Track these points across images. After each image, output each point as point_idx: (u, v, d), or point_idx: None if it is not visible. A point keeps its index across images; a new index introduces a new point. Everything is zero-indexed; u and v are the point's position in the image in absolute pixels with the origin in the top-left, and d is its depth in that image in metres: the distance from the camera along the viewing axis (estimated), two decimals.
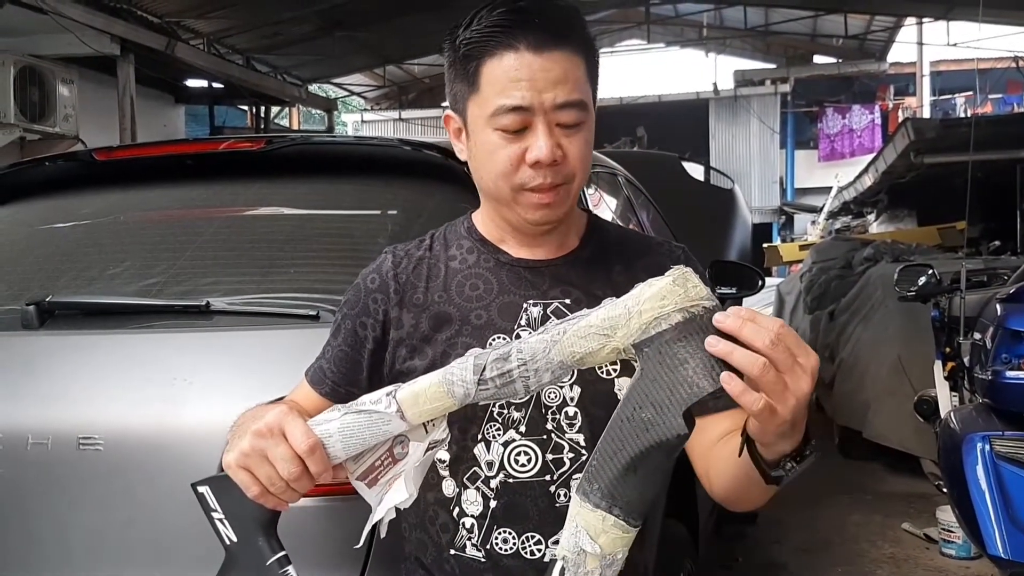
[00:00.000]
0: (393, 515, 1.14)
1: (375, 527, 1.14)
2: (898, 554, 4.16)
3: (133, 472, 1.61)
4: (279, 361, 1.65)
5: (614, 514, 0.99)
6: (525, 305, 1.26)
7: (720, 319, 0.95)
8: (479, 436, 1.24)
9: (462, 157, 1.29)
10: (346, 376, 1.32)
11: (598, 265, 1.31)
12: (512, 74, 1.16)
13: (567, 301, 1.26)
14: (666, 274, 1.00)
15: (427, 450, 1.12)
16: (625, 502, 0.99)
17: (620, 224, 1.45)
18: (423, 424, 1.10)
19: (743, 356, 0.93)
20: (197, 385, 1.65)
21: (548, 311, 1.25)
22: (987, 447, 2.88)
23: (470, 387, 1.05)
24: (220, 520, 1.14)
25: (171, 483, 1.59)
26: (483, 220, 1.34)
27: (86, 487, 1.62)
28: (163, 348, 1.74)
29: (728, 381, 0.94)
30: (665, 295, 0.99)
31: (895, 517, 4.63)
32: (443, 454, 1.26)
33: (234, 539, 1.13)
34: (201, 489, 1.15)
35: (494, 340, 1.24)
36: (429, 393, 1.07)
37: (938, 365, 4.11)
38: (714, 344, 0.94)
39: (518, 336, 1.23)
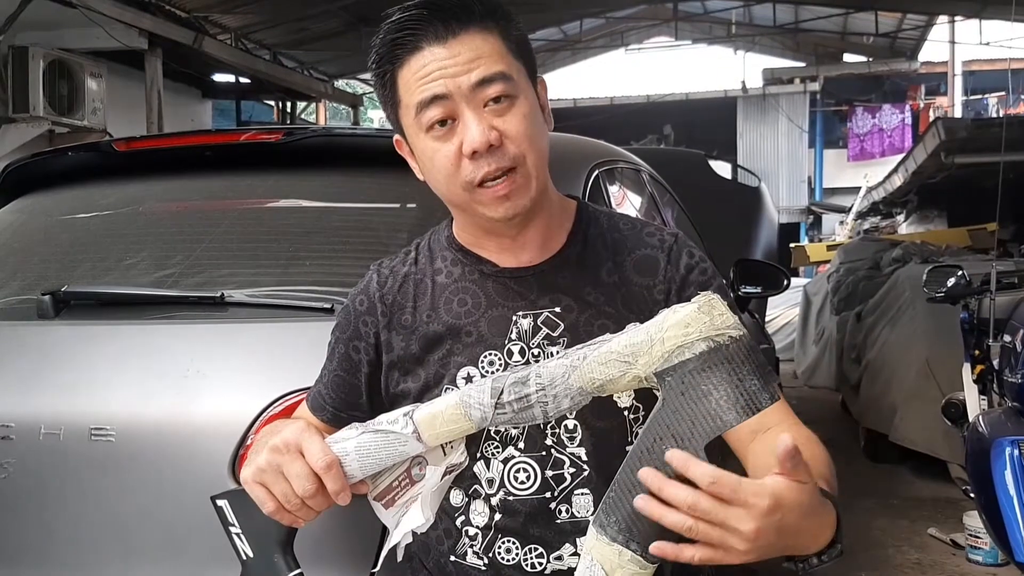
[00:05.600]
0: (410, 539, 1.12)
1: (393, 549, 1.12)
2: (924, 560, 4.10)
3: (144, 464, 1.60)
4: (293, 354, 1.64)
5: (631, 549, 0.96)
6: (514, 318, 1.22)
7: (644, 475, 0.94)
8: (478, 454, 1.21)
9: (420, 177, 1.25)
10: (345, 401, 1.30)
11: (587, 266, 1.25)
12: (421, 71, 1.13)
13: (557, 310, 1.22)
14: (692, 301, 0.97)
15: (444, 474, 1.10)
16: (643, 536, 0.95)
17: (612, 211, 1.40)
18: (441, 446, 1.08)
19: (673, 519, 0.92)
20: (210, 377, 1.63)
21: (538, 322, 1.22)
22: (1016, 451, 2.82)
23: (487, 410, 1.03)
24: (237, 535, 1.13)
25: (182, 475, 1.58)
26: (461, 229, 1.29)
27: (97, 478, 1.61)
28: (177, 339, 1.73)
29: (658, 550, 0.94)
30: (689, 323, 0.95)
31: (921, 522, 4.57)
32: None
33: (250, 554, 1.13)
34: (220, 503, 1.14)
35: (486, 356, 1.21)
36: (446, 415, 1.05)
37: (967, 368, 4.04)
38: (642, 506, 0.93)
39: (509, 351, 1.21)
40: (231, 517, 1.13)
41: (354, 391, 1.29)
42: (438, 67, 1.12)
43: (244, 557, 1.13)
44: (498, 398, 1.02)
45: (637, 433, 1.22)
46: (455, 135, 1.13)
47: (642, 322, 1.22)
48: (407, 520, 1.10)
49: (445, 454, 1.09)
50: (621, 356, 0.98)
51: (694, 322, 0.95)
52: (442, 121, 1.14)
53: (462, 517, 1.24)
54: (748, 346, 0.95)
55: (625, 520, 0.96)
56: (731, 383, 0.93)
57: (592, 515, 1.20)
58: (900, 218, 13.41)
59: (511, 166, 1.14)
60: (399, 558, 1.21)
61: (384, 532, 1.49)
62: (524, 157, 1.14)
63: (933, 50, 18.47)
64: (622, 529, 0.96)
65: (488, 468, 1.22)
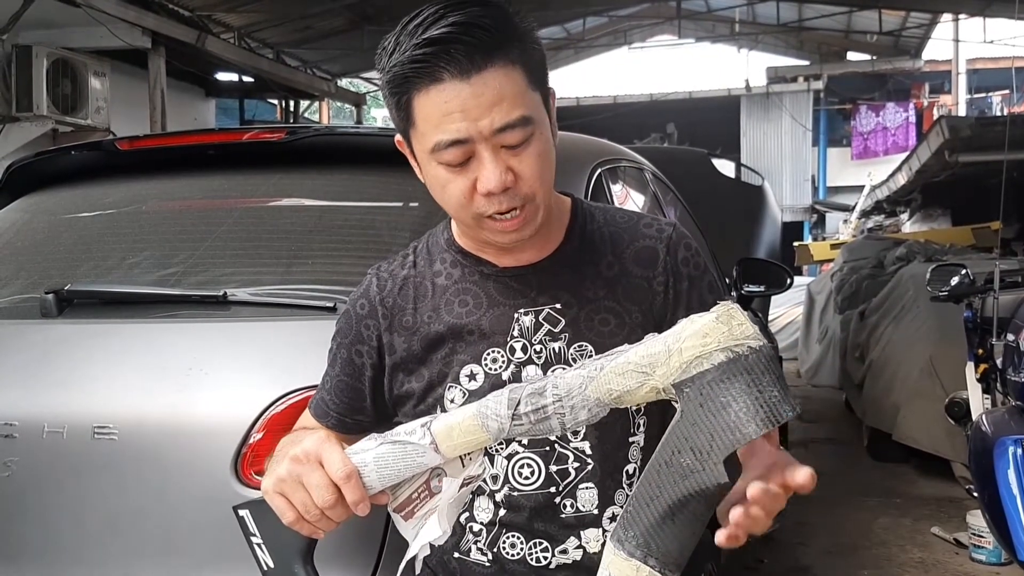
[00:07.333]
0: (427, 551, 1.12)
1: (411, 561, 1.12)
2: (927, 559, 4.09)
3: (147, 462, 1.60)
4: (295, 352, 1.64)
5: (649, 564, 0.94)
6: (516, 315, 1.23)
7: (758, 496, 0.96)
8: (483, 450, 1.22)
9: (421, 178, 1.23)
10: (350, 405, 1.30)
11: (586, 261, 1.26)
12: (442, 107, 1.08)
13: (558, 306, 1.23)
14: (711, 310, 0.96)
15: (462, 486, 1.09)
16: (661, 552, 0.94)
17: (607, 205, 1.39)
18: (460, 458, 1.08)
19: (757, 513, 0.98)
20: (213, 375, 1.64)
21: (540, 318, 1.23)
22: (1019, 450, 2.82)
23: (504, 421, 1.02)
24: (258, 545, 1.13)
25: (185, 474, 1.58)
26: (462, 234, 1.29)
27: (100, 476, 1.62)
28: (180, 338, 1.74)
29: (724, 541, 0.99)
30: (708, 332, 0.94)
31: (924, 521, 4.56)
32: None
33: (271, 565, 1.13)
34: (241, 512, 1.15)
35: (489, 354, 1.22)
36: (463, 426, 1.04)
37: (970, 367, 4.03)
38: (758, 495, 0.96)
39: (511, 348, 1.22)
40: (252, 527, 1.13)
41: (358, 395, 1.30)
42: (460, 106, 1.08)
43: (265, 567, 1.13)
44: (515, 409, 1.02)
45: (639, 424, 1.23)
46: (469, 170, 1.12)
47: (643, 314, 1.22)
48: (425, 532, 1.10)
49: (464, 466, 1.09)
50: (638, 367, 0.96)
51: (712, 332, 0.93)
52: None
53: (466, 514, 1.25)
54: (768, 356, 0.93)
55: (643, 535, 0.94)
56: (751, 394, 0.91)
57: (596, 508, 1.21)
58: (904, 216, 13.40)
59: (522, 204, 1.14)
60: (417, 570, 1.21)
61: (385, 536, 1.49)
62: (534, 195, 1.15)
63: (937, 48, 18.47)
64: (640, 544, 0.94)
65: (492, 464, 1.23)
